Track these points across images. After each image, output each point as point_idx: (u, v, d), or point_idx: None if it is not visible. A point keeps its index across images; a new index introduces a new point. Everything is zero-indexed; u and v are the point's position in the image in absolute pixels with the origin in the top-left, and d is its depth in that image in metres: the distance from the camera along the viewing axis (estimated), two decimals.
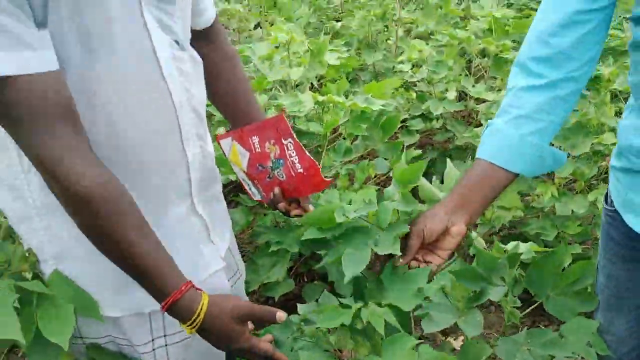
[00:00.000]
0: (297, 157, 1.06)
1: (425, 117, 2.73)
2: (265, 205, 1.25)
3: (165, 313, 0.90)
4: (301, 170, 1.07)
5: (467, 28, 2.82)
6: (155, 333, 1.02)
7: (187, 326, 0.90)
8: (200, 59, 1.01)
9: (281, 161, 1.08)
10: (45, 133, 0.77)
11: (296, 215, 1.12)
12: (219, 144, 1.16)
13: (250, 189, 1.21)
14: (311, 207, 1.11)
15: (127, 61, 0.85)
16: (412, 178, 1.08)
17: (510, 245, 1.17)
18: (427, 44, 2.73)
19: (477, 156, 1.05)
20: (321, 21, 4.16)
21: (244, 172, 1.16)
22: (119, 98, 0.85)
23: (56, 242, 0.93)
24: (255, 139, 1.09)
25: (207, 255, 1.06)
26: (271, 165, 1.10)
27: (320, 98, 1.70)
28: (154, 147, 0.92)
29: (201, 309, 0.89)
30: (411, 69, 2.71)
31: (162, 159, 0.94)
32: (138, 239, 0.85)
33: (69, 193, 0.80)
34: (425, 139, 2.99)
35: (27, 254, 0.93)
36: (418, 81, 2.77)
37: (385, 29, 3.48)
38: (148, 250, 0.86)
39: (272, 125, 1.06)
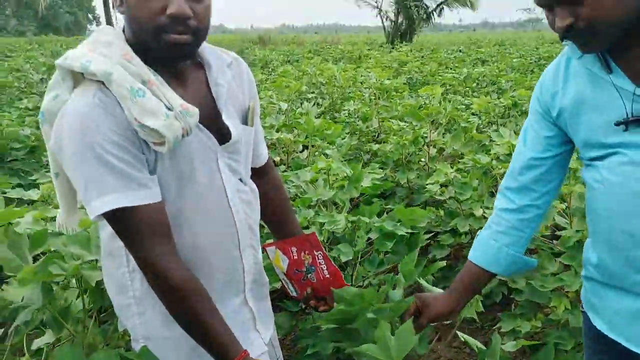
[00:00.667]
0: (325, 265, 1.41)
1: (455, 231, 3.00)
2: (300, 300, 1.55)
3: None
4: (328, 276, 1.41)
5: (490, 152, 3.14)
6: None
7: None
8: (257, 189, 1.36)
9: (313, 267, 1.42)
10: (150, 244, 1.10)
11: (323, 310, 1.44)
12: (264, 250, 1.47)
13: (288, 286, 1.52)
14: (334, 304, 1.40)
15: (205, 194, 1.21)
16: (412, 273, 1.40)
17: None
18: (453, 166, 3.05)
19: (468, 258, 1.39)
20: (362, 142, 4.61)
21: (284, 273, 1.48)
22: (198, 219, 1.21)
23: (147, 326, 1.24)
24: (294, 249, 1.43)
25: (254, 340, 1.33)
26: (305, 270, 1.43)
27: (352, 218, 2.01)
28: (220, 254, 1.25)
29: None
30: (440, 188, 3.01)
31: (224, 263, 1.27)
32: (212, 319, 1.14)
33: (165, 286, 1.11)
34: (456, 252, 3.23)
35: (122, 334, 1.26)
36: (447, 199, 3.07)
37: (419, 150, 3.85)
38: (219, 327, 1.15)
39: (307, 240, 1.41)
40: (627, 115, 1.07)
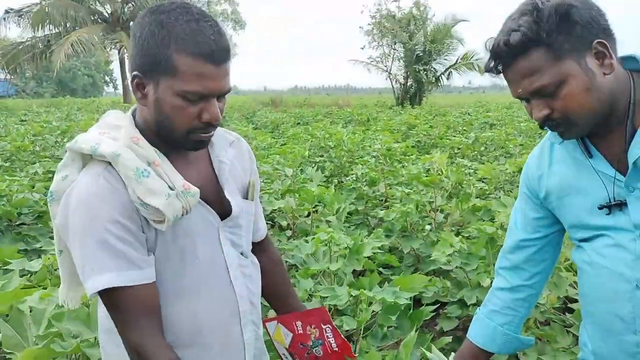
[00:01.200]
0: (333, 339, 1.39)
1: (463, 302, 2.93)
2: None
3: None
4: (336, 349, 1.39)
5: (495, 220, 3.11)
6: None
7: None
8: (258, 262, 1.40)
9: (320, 341, 1.40)
10: (139, 325, 1.12)
11: None
12: (264, 326, 1.46)
13: None
14: None
15: (206, 270, 1.23)
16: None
17: None
18: (459, 234, 3.03)
19: (466, 336, 1.40)
20: (369, 207, 4.60)
21: (286, 349, 1.46)
22: (200, 294, 1.22)
23: None
24: (299, 324, 1.42)
25: None
26: (311, 344, 1.41)
27: (354, 293, 1.98)
28: (221, 329, 1.26)
29: None
30: (446, 257, 2.97)
31: (225, 339, 1.27)
32: None
33: None
34: (464, 323, 3.15)
35: None
36: (453, 270, 3.02)
37: (424, 217, 3.83)
38: None
39: (314, 314, 1.41)
40: (609, 199, 1.09)
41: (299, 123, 14.26)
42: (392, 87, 26.12)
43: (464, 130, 9.88)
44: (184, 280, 1.20)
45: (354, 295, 2.00)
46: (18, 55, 22.94)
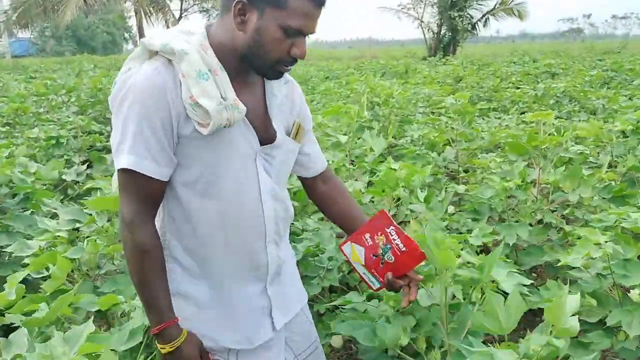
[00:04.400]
0: (399, 240, 1.42)
1: (610, 330, 2.03)
2: (385, 289, 1.53)
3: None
4: (404, 249, 1.43)
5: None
6: None
7: (167, 345, 1.32)
8: (291, 207, 1.49)
9: (388, 246, 1.44)
10: (137, 207, 1.29)
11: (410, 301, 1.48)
12: (341, 251, 1.54)
13: (369, 280, 1.53)
14: (420, 277, 1.49)
15: (239, 182, 1.34)
16: None
17: None
18: (605, 233, 2.08)
19: None
20: (437, 179, 3.67)
21: (363, 265, 1.50)
22: (230, 201, 1.33)
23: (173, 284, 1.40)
24: (367, 236, 1.47)
25: (265, 325, 1.45)
26: (381, 252, 1.45)
27: None
28: (245, 238, 1.38)
29: (180, 339, 1.33)
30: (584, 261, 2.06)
31: (248, 249, 1.39)
32: (156, 285, 1.31)
33: (131, 242, 1.30)
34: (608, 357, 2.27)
35: None
36: (582, 279, 2.11)
37: (525, 201, 2.89)
38: (160, 293, 1.32)
39: (376, 219, 1.45)
40: None
41: (328, 77, 13.23)
42: (424, 36, 24.60)
43: (519, 81, 8.74)
44: (218, 186, 1.32)
45: None
46: (29, 9, 21.97)
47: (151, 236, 1.30)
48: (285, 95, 1.44)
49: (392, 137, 5.16)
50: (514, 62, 13.45)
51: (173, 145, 1.27)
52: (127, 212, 1.28)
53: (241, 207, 1.34)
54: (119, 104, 1.25)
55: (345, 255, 1.53)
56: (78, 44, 53.03)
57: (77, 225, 2.06)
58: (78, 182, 3.89)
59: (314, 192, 1.64)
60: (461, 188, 3.19)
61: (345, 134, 3.07)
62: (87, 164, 4.29)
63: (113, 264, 2.08)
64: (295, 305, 1.56)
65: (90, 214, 2.10)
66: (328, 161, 3.09)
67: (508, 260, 1.75)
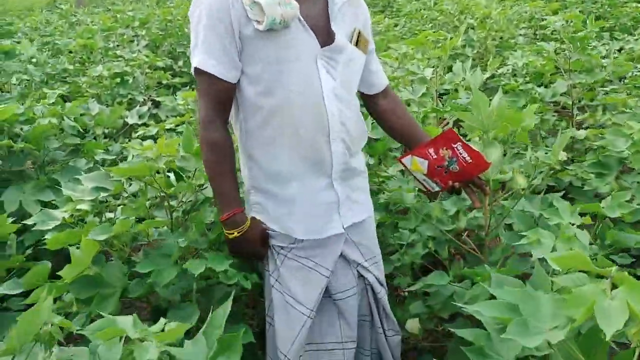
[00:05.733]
0: (465, 153, 1.50)
1: None
2: (445, 191, 1.63)
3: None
4: (470, 160, 1.51)
5: None
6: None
7: (234, 231, 1.48)
8: (358, 105, 1.58)
9: (454, 159, 1.52)
10: (211, 106, 1.45)
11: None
12: (400, 162, 1.63)
13: (429, 184, 1.63)
14: (485, 186, 1.60)
15: (301, 80, 1.42)
16: None
17: None
18: None
19: None
20: (544, 120, 3.02)
21: (424, 174, 1.60)
22: (292, 99, 1.42)
23: (253, 180, 1.55)
24: (431, 150, 1.54)
25: (333, 221, 1.53)
26: (447, 163, 1.54)
27: None
28: (310, 133, 1.45)
29: (245, 225, 1.48)
30: None
31: (313, 144, 1.47)
32: (226, 177, 1.48)
33: (206, 138, 1.46)
34: None
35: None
36: None
37: None
38: (230, 184, 1.48)
39: (443, 137, 1.51)
40: None
41: None
42: None
43: None
44: (281, 85, 1.40)
45: None
46: None
47: (221, 133, 1.46)
48: (347, 2, 1.50)
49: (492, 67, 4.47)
50: None
51: (237, 47, 1.40)
52: (201, 111, 1.46)
53: (304, 104, 1.42)
54: (192, 15, 1.42)
55: (404, 165, 1.61)
56: None
57: (103, 194, 1.70)
58: (142, 124, 3.59)
59: (376, 107, 1.71)
60: (581, 133, 2.57)
61: (433, 67, 2.49)
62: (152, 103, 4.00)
63: (147, 240, 1.73)
64: (362, 213, 1.61)
65: (119, 180, 1.74)
66: (409, 105, 2.58)
67: None
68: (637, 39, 4.07)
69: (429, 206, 1.93)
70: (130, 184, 1.79)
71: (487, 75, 3.01)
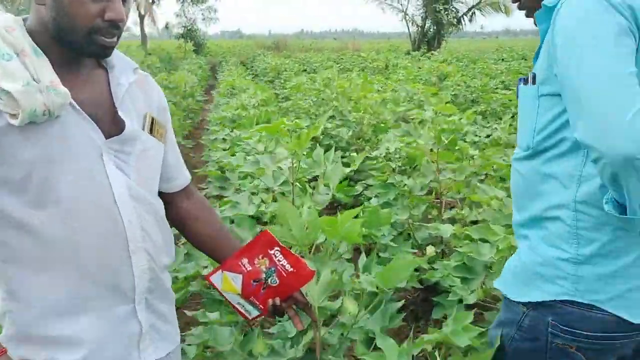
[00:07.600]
0: (285, 260, 1.30)
1: None
2: (266, 316, 1.40)
3: None
4: (291, 269, 1.31)
5: None
6: None
7: None
8: (161, 201, 1.30)
9: (272, 269, 1.31)
10: None
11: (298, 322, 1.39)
12: (209, 282, 1.38)
13: (245, 309, 1.38)
14: (306, 299, 1.40)
15: (84, 183, 1.13)
16: None
17: None
18: None
19: None
20: (414, 214, 2.84)
21: (239, 294, 1.35)
22: (78, 208, 1.11)
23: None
24: (245, 260, 1.32)
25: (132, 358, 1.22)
26: (264, 276, 1.32)
27: None
28: (102, 252, 1.14)
29: None
30: None
31: (108, 264, 1.15)
32: None
33: None
34: None
35: None
36: None
37: None
38: None
39: (258, 242, 1.32)
40: None
41: (305, 70, 12.37)
42: (408, 29, 23.68)
43: (510, 81, 7.97)
44: (56, 192, 1.10)
45: None
46: None
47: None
48: (136, 83, 1.28)
49: (367, 146, 4.36)
50: (502, 59, 12.75)
51: None
52: None
53: (89, 212, 1.14)
54: None
55: (213, 285, 1.39)
56: None
57: None
58: None
59: (177, 211, 1.41)
60: (447, 230, 2.40)
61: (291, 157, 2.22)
62: None
63: None
64: (168, 345, 1.32)
65: None
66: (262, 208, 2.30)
67: None
68: (503, 127, 4.19)
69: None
70: None
71: (350, 170, 2.81)
